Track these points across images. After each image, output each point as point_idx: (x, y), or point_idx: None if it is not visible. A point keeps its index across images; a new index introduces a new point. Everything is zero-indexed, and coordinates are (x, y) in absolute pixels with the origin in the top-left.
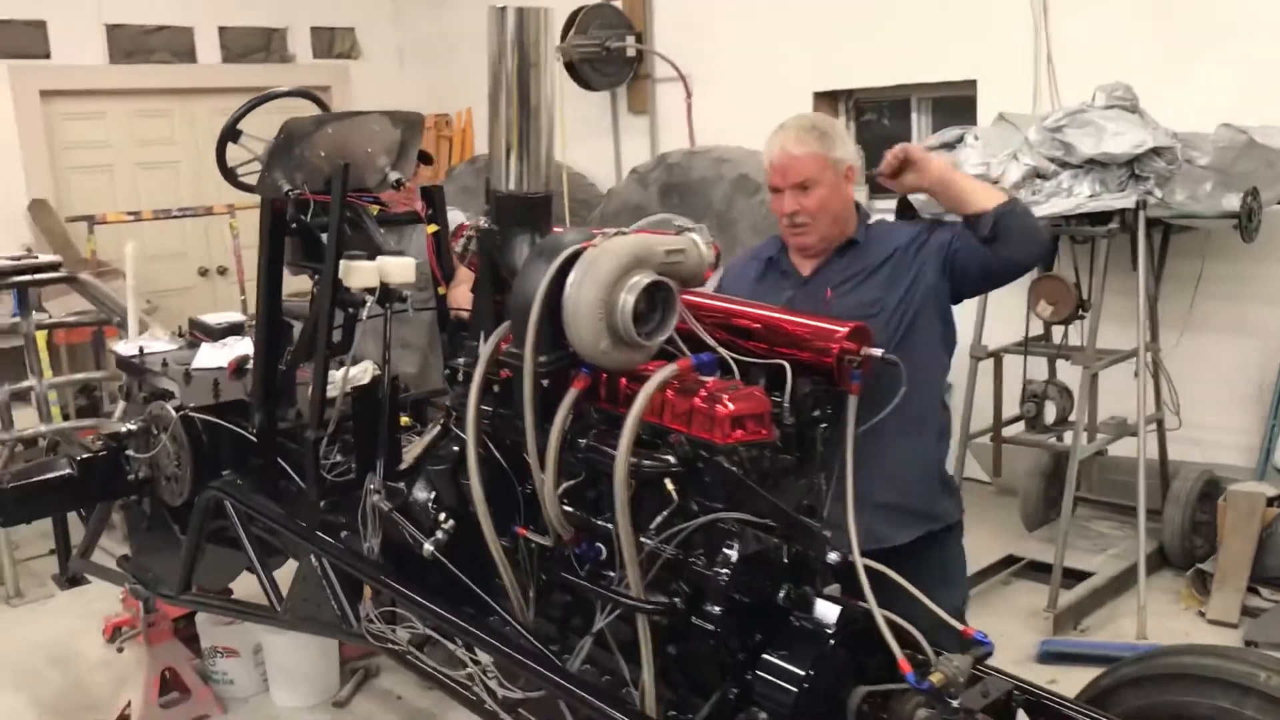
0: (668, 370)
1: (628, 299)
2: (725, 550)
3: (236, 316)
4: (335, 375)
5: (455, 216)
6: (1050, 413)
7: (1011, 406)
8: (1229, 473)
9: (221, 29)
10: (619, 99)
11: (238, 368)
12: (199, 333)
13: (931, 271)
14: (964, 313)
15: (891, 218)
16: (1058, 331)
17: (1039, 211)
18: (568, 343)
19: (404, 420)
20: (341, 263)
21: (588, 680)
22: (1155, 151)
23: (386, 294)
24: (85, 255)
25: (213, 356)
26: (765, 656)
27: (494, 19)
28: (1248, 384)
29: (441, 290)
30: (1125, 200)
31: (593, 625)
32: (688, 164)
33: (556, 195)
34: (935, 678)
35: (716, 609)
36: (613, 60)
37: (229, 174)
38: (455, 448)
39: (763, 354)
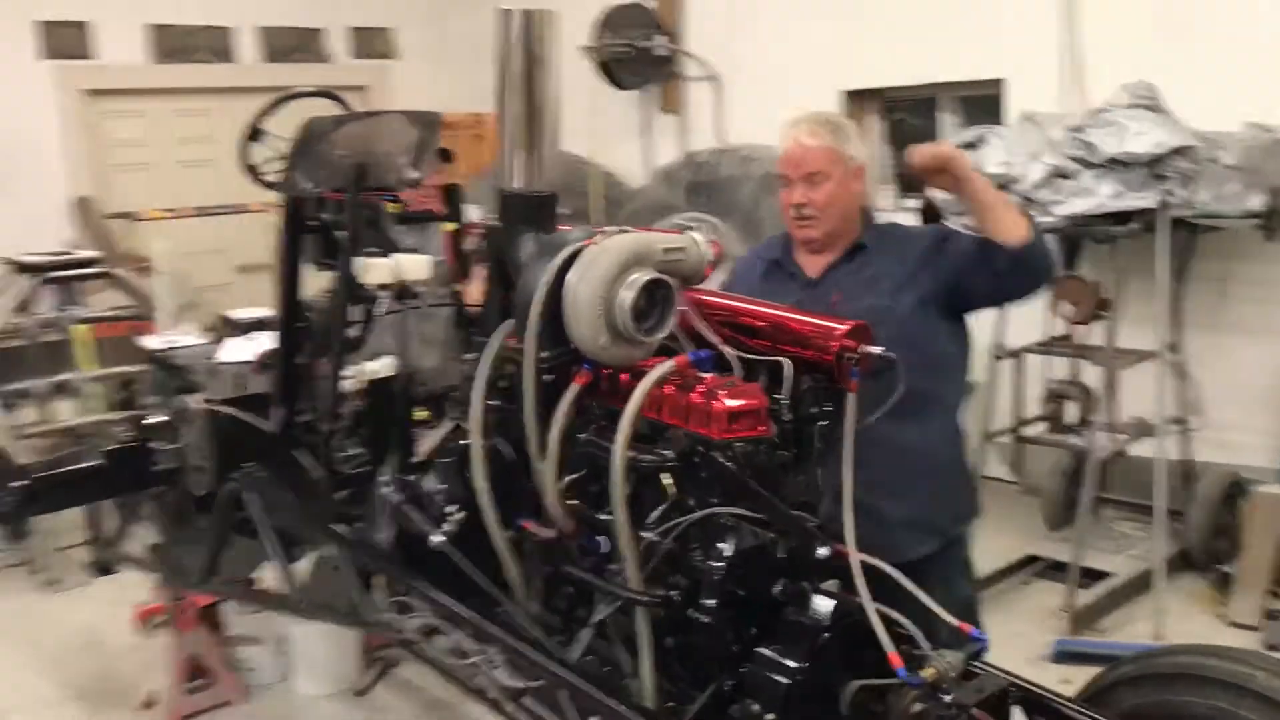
0: (665, 366)
1: (626, 295)
2: (720, 545)
3: (265, 312)
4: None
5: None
6: (1071, 412)
7: (1034, 406)
8: (1254, 474)
9: (261, 29)
10: (651, 98)
11: (262, 362)
12: (227, 327)
13: (941, 286)
14: (985, 312)
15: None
16: (1082, 331)
17: (1060, 211)
18: (569, 339)
19: (421, 414)
20: (357, 259)
21: (586, 670)
22: (1178, 151)
23: (402, 290)
24: (125, 251)
25: (238, 350)
26: (759, 649)
27: (500, 20)
28: (1274, 385)
29: (458, 287)
30: (1147, 200)
31: (594, 617)
32: (715, 162)
33: (586, 194)
34: (927, 672)
35: (712, 602)
36: (644, 60)
37: (252, 172)
38: (464, 441)
39: (766, 351)
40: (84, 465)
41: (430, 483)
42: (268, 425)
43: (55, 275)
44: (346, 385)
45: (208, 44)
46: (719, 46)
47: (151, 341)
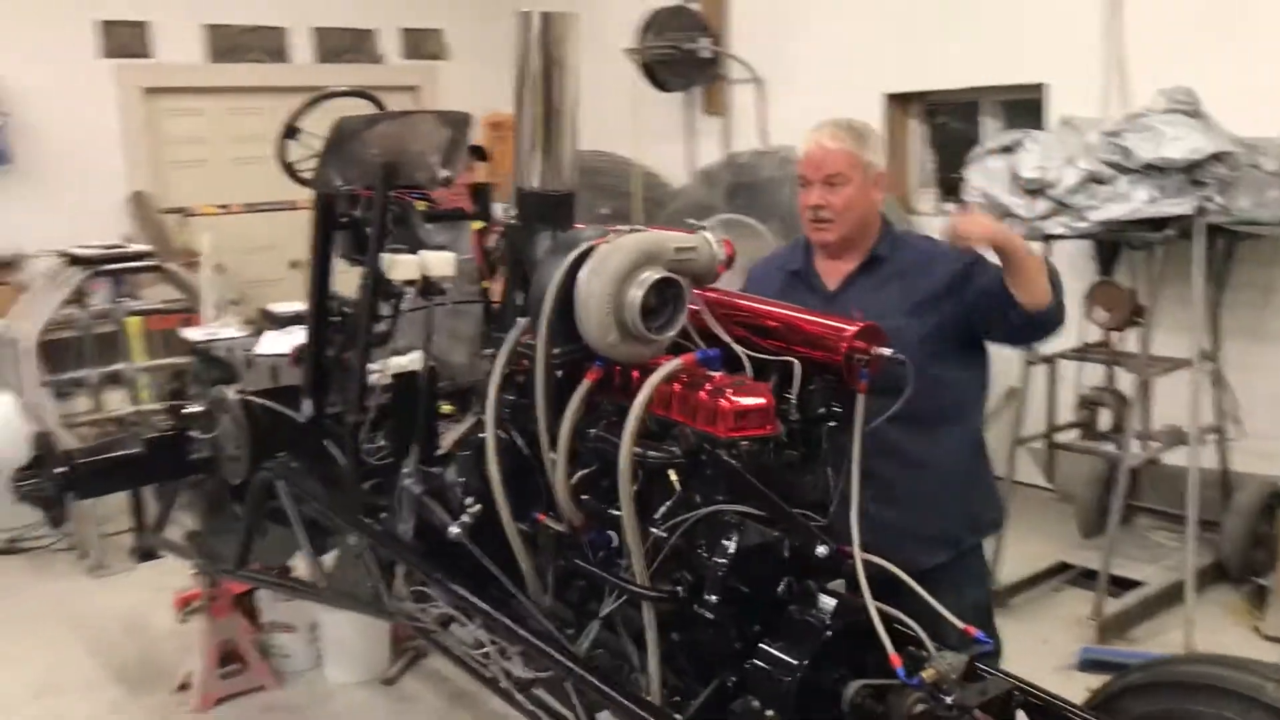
0: (672, 364)
1: (636, 294)
2: (724, 542)
3: (302, 306)
4: (390, 362)
5: None
6: (1105, 420)
7: (1067, 412)
8: None
9: (314, 30)
10: (695, 100)
11: (297, 354)
12: (267, 320)
13: (961, 316)
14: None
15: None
16: (1119, 338)
17: (1094, 216)
18: (581, 336)
19: (446, 408)
20: (385, 256)
21: (593, 664)
22: (1216, 157)
23: (427, 286)
24: (178, 246)
25: (276, 343)
26: (762, 646)
27: (520, 22)
28: None
29: (485, 284)
30: (1183, 206)
31: (602, 610)
32: (755, 164)
33: (629, 195)
34: (927, 674)
35: (715, 598)
36: (688, 62)
37: (288, 169)
38: (482, 435)
39: (779, 352)
40: (122, 453)
41: (452, 476)
42: (299, 416)
43: (106, 268)
44: (372, 379)
45: (262, 44)
46: (762, 49)
47: (193, 333)
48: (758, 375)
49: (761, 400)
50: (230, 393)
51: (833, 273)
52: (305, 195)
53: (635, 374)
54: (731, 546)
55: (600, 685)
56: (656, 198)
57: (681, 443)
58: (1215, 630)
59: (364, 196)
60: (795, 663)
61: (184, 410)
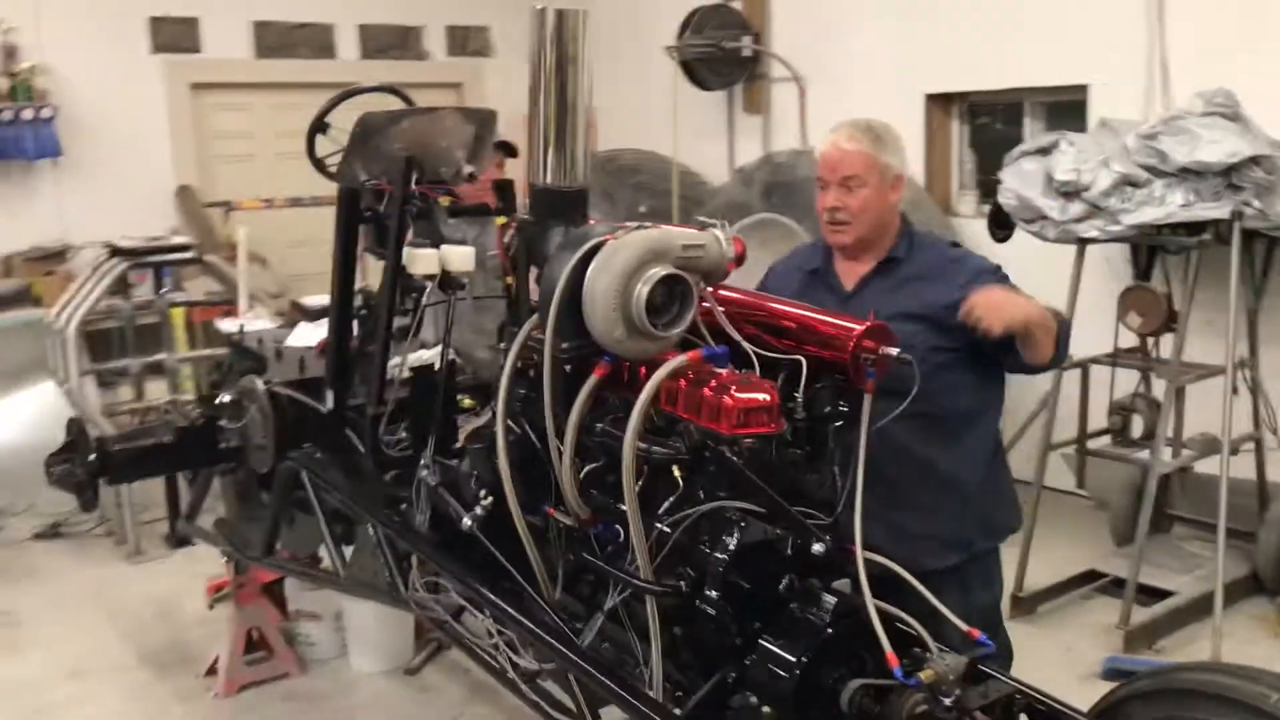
0: (677, 361)
1: (642, 290)
2: (725, 538)
3: None
4: (413, 356)
5: None
6: (1137, 426)
7: (1100, 418)
8: None
9: (361, 26)
10: (735, 99)
11: (324, 347)
12: (299, 313)
13: (969, 330)
14: None
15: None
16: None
17: (1128, 220)
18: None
19: (467, 402)
20: (406, 250)
21: (598, 658)
22: (1254, 160)
23: (447, 281)
24: (223, 239)
25: (305, 335)
26: (761, 643)
27: (534, 19)
28: None
29: (508, 280)
30: (1219, 210)
31: (606, 603)
32: (793, 163)
33: (667, 193)
34: (925, 674)
35: (714, 593)
36: (728, 60)
37: (318, 164)
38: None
39: (791, 351)
40: (153, 440)
41: (466, 468)
42: (323, 407)
43: (148, 260)
44: (391, 371)
45: (309, 41)
46: (803, 48)
47: (226, 325)
48: (767, 373)
49: (765, 398)
50: (258, 383)
51: (850, 273)
52: None
53: (643, 370)
54: (732, 543)
55: (600, 677)
56: (695, 196)
57: (686, 439)
58: (1245, 642)
59: (388, 191)
60: (793, 660)
61: (215, 400)
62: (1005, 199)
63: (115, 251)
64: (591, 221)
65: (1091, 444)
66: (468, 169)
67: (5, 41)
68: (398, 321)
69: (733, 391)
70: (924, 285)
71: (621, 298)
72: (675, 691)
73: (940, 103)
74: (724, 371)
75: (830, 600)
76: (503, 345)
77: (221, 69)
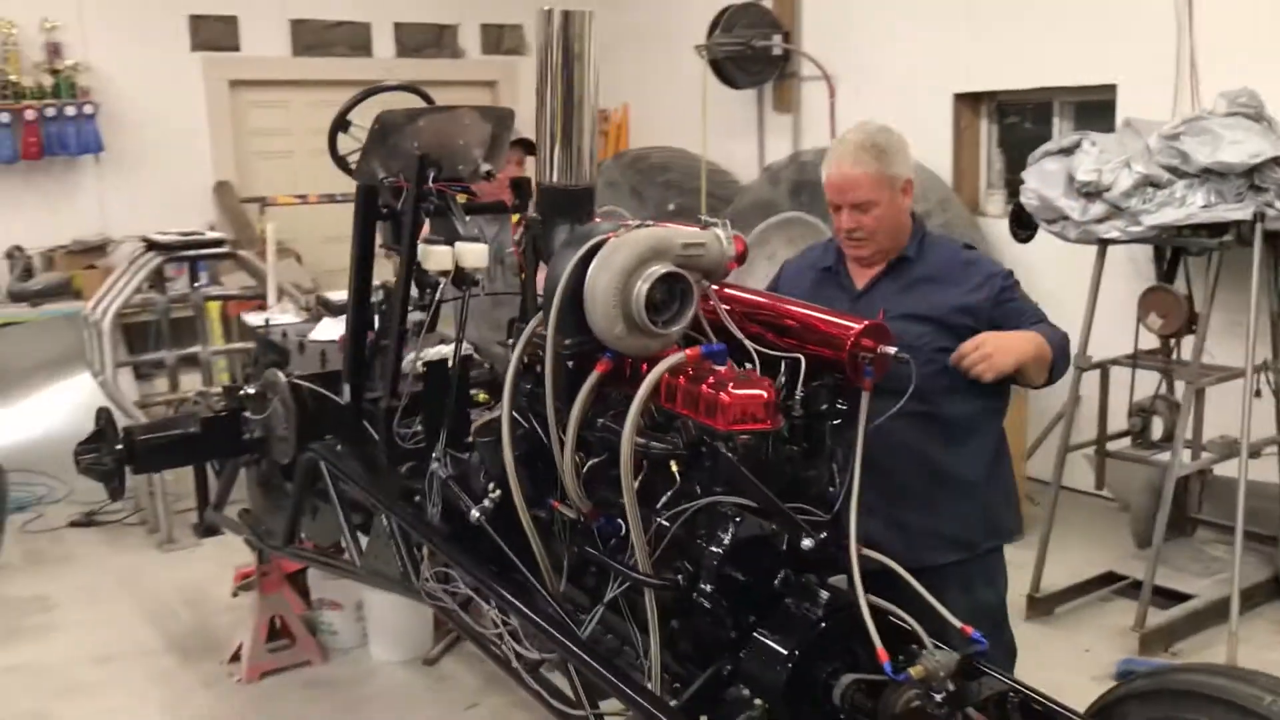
0: (675, 358)
1: (642, 288)
2: (720, 532)
3: None
4: (428, 351)
5: None
6: (1158, 428)
7: (1120, 419)
8: None
9: (397, 25)
10: (765, 97)
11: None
12: (323, 307)
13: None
14: (1071, 323)
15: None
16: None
17: (1148, 221)
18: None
19: (482, 397)
20: (420, 246)
21: (597, 649)
22: (1276, 161)
23: (461, 277)
24: (258, 234)
25: (329, 330)
26: (755, 636)
27: (541, 19)
28: None
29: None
30: (1241, 212)
31: (606, 596)
32: (819, 162)
33: (696, 191)
34: (916, 670)
35: (709, 587)
36: (758, 59)
37: (340, 161)
38: None
39: (792, 349)
40: (178, 431)
41: (476, 461)
42: (341, 400)
43: (182, 254)
44: (405, 366)
45: (346, 39)
46: (833, 46)
47: (252, 319)
48: (768, 371)
49: (762, 395)
50: (281, 376)
51: (861, 272)
52: None
53: (644, 366)
54: (727, 537)
55: (597, 667)
56: (724, 194)
57: (683, 435)
58: (1263, 647)
59: (404, 188)
60: (785, 653)
61: (239, 391)
62: (1027, 199)
63: (150, 246)
64: (597, 219)
65: (1111, 445)
66: (485, 167)
67: (49, 40)
68: (414, 317)
69: (730, 388)
70: (934, 288)
71: (622, 295)
72: (674, 683)
73: (969, 102)
74: (723, 368)
75: (824, 595)
76: (511, 341)
77: (260, 66)
